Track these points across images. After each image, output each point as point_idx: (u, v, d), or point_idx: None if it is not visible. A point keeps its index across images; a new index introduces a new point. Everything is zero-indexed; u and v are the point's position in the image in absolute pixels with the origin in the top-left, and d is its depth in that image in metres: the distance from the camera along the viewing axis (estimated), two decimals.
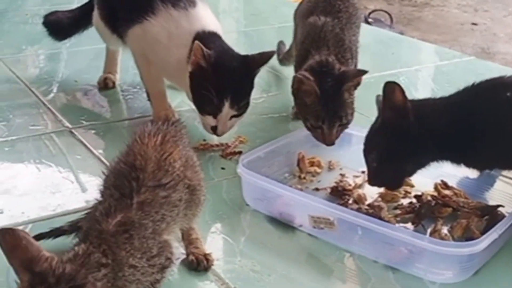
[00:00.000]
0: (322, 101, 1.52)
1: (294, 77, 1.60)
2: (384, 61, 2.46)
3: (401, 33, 3.81)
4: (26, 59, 2.46)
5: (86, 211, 1.23)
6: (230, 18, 3.18)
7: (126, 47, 1.91)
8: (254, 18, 3.12)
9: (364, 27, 3.08)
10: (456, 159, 1.37)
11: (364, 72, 1.56)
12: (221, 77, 1.60)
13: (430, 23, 5.32)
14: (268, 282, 1.21)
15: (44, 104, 2.00)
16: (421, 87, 2.25)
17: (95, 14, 1.96)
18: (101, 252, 0.93)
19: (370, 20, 3.93)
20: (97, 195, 1.10)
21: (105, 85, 2.11)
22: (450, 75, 2.34)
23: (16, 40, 2.64)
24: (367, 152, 1.40)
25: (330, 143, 1.57)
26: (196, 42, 1.58)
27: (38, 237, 1.23)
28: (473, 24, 5.32)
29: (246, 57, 1.67)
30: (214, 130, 1.67)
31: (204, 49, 1.57)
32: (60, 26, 2.15)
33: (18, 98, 2.05)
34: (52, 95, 2.08)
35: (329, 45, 1.63)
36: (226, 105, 1.62)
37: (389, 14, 4.16)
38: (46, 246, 1.21)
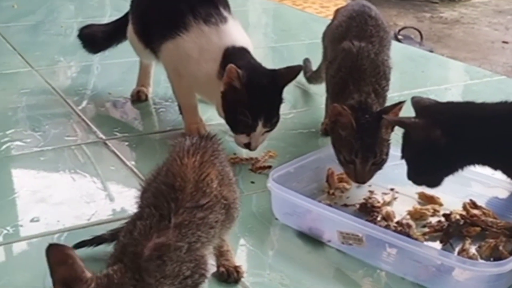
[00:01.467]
0: (358, 134, 1.49)
1: (332, 108, 1.56)
2: (414, 79, 2.47)
3: (431, 51, 3.81)
4: (60, 70, 2.51)
5: (123, 220, 1.27)
6: (260, 34, 3.22)
7: (158, 61, 1.95)
8: (284, 34, 3.16)
9: (394, 44, 3.09)
10: (494, 164, 1.39)
11: (400, 104, 1.52)
12: (254, 97, 1.63)
13: (460, 40, 5.30)
14: None
15: (79, 115, 2.05)
16: None
17: (130, 29, 2.01)
18: (134, 278, 0.95)
19: (400, 37, 3.93)
20: (132, 207, 1.13)
21: (138, 97, 2.15)
22: (480, 94, 2.33)
23: (51, 52, 2.70)
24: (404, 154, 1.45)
25: (361, 180, 1.53)
26: (230, 65, 1.61)
27: (81, 244, 1.28)
28: (504, 42, 5.28)
29: (274, 72, 1.70)
30: (247, 146, 1.70)
31: (239, 71, 1.60)
32: (95, 40, 2.21)
33: (53, 109, 2.10)
34: (86, 106, 2.13)
35: (366, 75, 1.62)
36: (260, 124, 1.65)
37: (419, 31, 4.16)
38: (88, 251, 1.27)
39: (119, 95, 2.22)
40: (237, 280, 1.23)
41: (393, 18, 5.85)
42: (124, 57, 2.34)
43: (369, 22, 1.74)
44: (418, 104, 1.47)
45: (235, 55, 1.70)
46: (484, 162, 1.41)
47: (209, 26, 1.76)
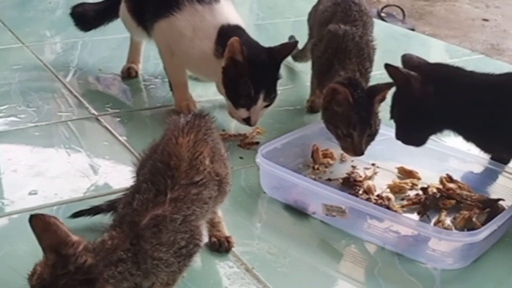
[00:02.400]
0: (355, 109, 1.57)
1: (329, 88, 1.63)
2: (395, 58, 2.51)
3: (413, 29, 3.88)
4: (51, 46, 2.56)
5: (117, 194, 1.34)
6: (246, 10, 3.26)
7: (150, 39, 2.01)
8: (270, 11, 3.20)
9: (377, 23, 3.15)
10: (467, 136, 1.49)
11: (391, 85, 1.60)
12: (256, 70, 1.70)
13: (442, 18, 5.36)
14: (283, 264, 1.32)
15: (70, 91, 2.10)
16: None
17: (122, 7, 2.06)
18: (130, 243, 1.02)
19: (383, 14, 3.99)
20: (126, 181, 1.19)
21: (129, 74, 2.21)
22: None
23: (41, 27, 2.74)
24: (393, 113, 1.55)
25: (360, 152, 1.61)
26: (234, 38, 1.67)
27: (79, 214, 1.36)
28: (484, 20, 5.34)
29: (271, 49, 1.77)
30: (247, 121, 1.76)
31: (242, 44, 1.66)
32: (87, 18, 2.25)
33: (45, 85, 2.15)
34: (77, 82, 2.18)
35: (351, 56, 1.72)
36: (261, 97, 1.72)
37: (402, 9, 4.22)
38: (85, 222, 1.33)
39: (109, 71, 2.27)
40: (228, 250, 1.31)
41: None
42: (114, 33, 2.39)
43: (353, 8, 1.84)
44: (408, 63, 1.55)
45: (232, 33, 1.75)
46: (462, 129, 1.49)
47: (203, 5, 1.82)
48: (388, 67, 1.50)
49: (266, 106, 1.77)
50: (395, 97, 1.54)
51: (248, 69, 1.69)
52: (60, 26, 2.76)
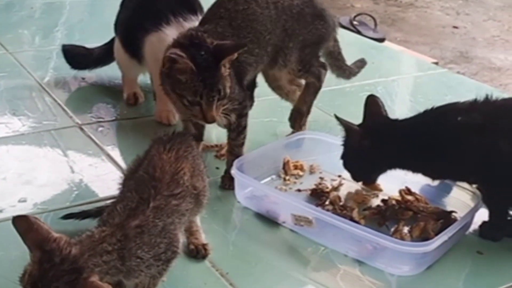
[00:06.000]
0: (200, 76, 1.49)
1: (167, 57, 1.51)
2: (364, 70, 2.67)
3: (384, 38, 4.01)
4: (35, 54, 2.63)
5: (102, 202, 1.46)
6: None
7: (142, 70, 2.14)
8: None
9: (348, 35, 3.31)
10: (414, 170, 1.63)
11: (242, 46, 1.56)
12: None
13: (413, 24, 5.50)
14: (255, 270, 1.45)
15: (55, 100, 2.19)
16: (397, 97, 2.47)
17: (116, 43, 2.17)
18: (116, 239, 1.12)
19: (355, 22, 4.12)
20: (109, 190, 1.30)
21: (135, 100, 2.22)
22: (425, 87, 2.56)
23: (24, 34, 2.81)
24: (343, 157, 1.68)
25: (211, 119, 1.54)
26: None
27: (69, 216, 1.48)
28: (454, 27, 5.48)
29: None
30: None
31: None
32: (78, 60, 2.35)
33: (30, 93, 2.24)
34: (61, 91, 2.27)
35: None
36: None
37: (373, 18, 4.35)
38: (72, 229, 1.44)
39: (92, 80, 2.37)
40: (204, 256, 1.44)
41: (350, 0, 6.04)
42: (97, 42, 2.43)
43: None
44: (370, 107, 1.66)
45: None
46: (403, 167, 1.64)
47: (188, 22, 1.95)
48: (337, 118, 1.64)
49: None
50: (344, 144, 1.66)
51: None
52: (44, 32, 2.85)
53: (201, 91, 1.50)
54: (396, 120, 1.65)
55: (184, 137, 1.37)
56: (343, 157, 1.67)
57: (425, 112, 1.61)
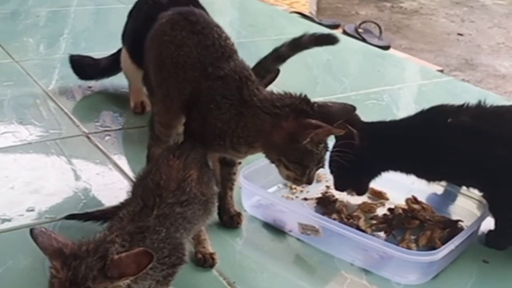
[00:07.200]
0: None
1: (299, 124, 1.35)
2: (370, 79, 2.69)
3: (389, 45, 4.03)
4: (41, 63, 2.65)
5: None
6: (228, 27, 3.36)
7: None
8: (251, 29, 3.32)
9: (354, 43, 3.32)
10: (406, 171, 1.63)
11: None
12: None
13: (418, 31, 5.51)
14: (261, 279, 1.45)
15: (61, 109, 2.21)
16: (402, 105, 2.47)
17: (123, 53, 2.19)
18: (119, 243, 1.14)
19: (360, 30, 4.14)
20: (117, 198, 1.32)
21: (143, 108, 2.21)
22: (430, 94, 2.56)
23: (30, 42, 2.83)
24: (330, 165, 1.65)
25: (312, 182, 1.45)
26: None
27: (72, 216, 1.51)
28: (459, 34, 5.49)
29: None
30: None
31: None
32: (85, 71, 2.36)
33: (36, 102, 2.25)
34: (67, 99, 2.29)
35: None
36: None
37: (378, 25, 4.37)
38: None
39: (98, 89, 2.38)
40: (211, 265, 1.44)
41: (355, 7, 6.04)
42: (104, 50, 2.44)
43: None
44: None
45: None
46: (396, 169, 1.64)
47: None
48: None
49: None
50: (334, 151, 1.58)
51: None
52: (49, 41, 2.87)
53: (322, 157, 1.41)
54: (390, 121, 1.66)
55: (193, 145, 1.38)
56: (331, 163, 1.63)
57: (418, 113, 1.62)
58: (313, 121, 1.33)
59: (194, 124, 1.44)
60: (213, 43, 1.43)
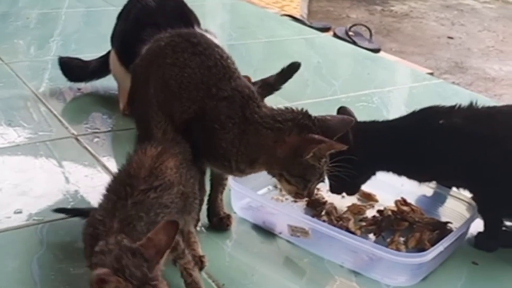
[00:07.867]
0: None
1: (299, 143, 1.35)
2: (360, 81, 2.69)
3: (379, 48, 4.03)
4: (31, 65, 2.64)
5: None
6: (219, 30, 3.37)
7: None
8: (242, 32, 3.32)
9: (344, 45, 3.33)
10: (397, 172, 1.63)
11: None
12: None
13: (409, 35, 5.53)
14: (251, 281, 1.44)
15: (50, 111, 2.20)
16: (392, 108, 2.47)
17: (112, 57, 2.18)
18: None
19: (350, 33, 4.13)
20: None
21: None
22: (420, 97, 2.57)
23: (19, 44, 2.82)
24: None
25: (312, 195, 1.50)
26: None
27: (61, 210, 1.54)
28: (449, 37, 5.51)
29: None
30: None
31: None
32: (74, 73, 2.36)
33: (25, 104, 2.25)
34: (56, 102, 2.28)
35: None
36: None
37: (369, 28, 4.37)
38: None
39: (88, 91, 2.37)
40: (201, 268, 1.43)
41: (345, 10, 6.05)
42: (93, 52, 2.44)
43: None
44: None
45: None
46: (389, 169, 1.64)
47: None
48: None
49: None
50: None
51: None
52: (39, 43, 2.85)
53: (323, 171, 1.42)
54: (383, 122, 1.66)
55: (177, 140, 1.39)
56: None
57: (410, 114, 1.62)
58: (316, 136, 1.34)
59: (198, 140, 1.45)
60: (215, 64, 1.44)
